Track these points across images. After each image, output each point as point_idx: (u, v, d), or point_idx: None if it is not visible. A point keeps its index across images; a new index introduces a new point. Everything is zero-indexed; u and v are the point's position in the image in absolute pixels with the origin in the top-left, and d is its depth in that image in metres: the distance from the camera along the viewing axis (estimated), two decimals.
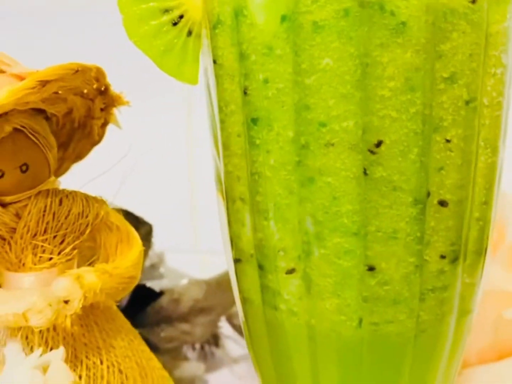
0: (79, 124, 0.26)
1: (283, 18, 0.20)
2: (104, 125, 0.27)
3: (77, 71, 0.22)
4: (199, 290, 0.43)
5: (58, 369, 0.21)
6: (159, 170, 0.54)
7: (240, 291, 0.25)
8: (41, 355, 0.22)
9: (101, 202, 0.25)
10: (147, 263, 0.45)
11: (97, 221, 0.25)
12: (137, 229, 0.38)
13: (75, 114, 0.25)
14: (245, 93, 0.21)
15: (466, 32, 0.20)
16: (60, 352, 0.22)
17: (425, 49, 0.19)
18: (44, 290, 0.22)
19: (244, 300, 0.25)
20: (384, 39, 0.19)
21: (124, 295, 0.26)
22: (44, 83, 0.20)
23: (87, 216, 0.25)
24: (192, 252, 0.62)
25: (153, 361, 0.27)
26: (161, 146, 0.54)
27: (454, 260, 0.22)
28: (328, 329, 0.22)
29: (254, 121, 0.21)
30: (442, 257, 0.22)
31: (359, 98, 0.20)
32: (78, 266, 0.25)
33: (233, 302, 0.45)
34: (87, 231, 0.25)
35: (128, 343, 0.26)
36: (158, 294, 0.42)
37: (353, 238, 0.21)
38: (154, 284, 0.42)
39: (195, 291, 0.42)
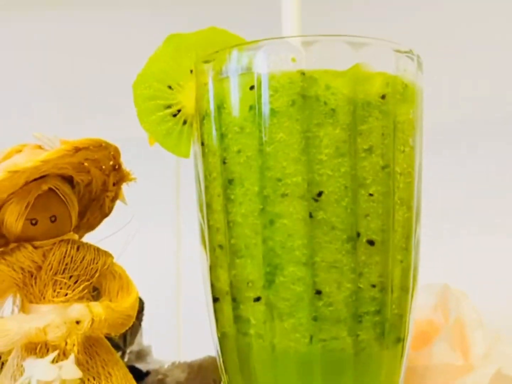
0: (95, 196, 0.33)
1: (251, 108, 0.28)
2: (114, 199, 0.34)
3: (101, 145, 0.29)
4: (181, 372, 0.47)
5: (71, 368, 0.26)
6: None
7: (218, 328, 0.31)
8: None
9: (108, 254, 0.32)
10: (136, 348, 0.49)
11: (104, 268, 0.31)
12: None
13: (93, 186, 0.32)
14: (224, 162, 0.29)
15: (378, 118, 0.28)
16: (72, 357, 0.27)
17: (349, 128, 0.28)
18: (61, 311, 0.28)
19: (221, 336, 0.31)
20: (320, 120, 0.28)
21: (122, 331, 0.31)
22: (77, 149, 0.28)
23: (97, 263, 0.31)
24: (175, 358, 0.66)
25: None
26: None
27: (382, 290, 0.29)
28: (287, 346, 0.28)
29: (230, 181, 0.29)
30: (373, 286, 0.28)
31: (304, 161, 0.28)
32: None
33: None
34: (96, 276, 0.31)
35: (123, 375, 0.31)
36: (145, 374, 0.46)
37: (304, 267, 0.28)
38: (141, 366, 0.47)
39: (178, 373, 0.47)
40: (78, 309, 0.28)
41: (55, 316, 0.28)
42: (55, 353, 0.27)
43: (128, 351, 0.47)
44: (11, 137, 0.33)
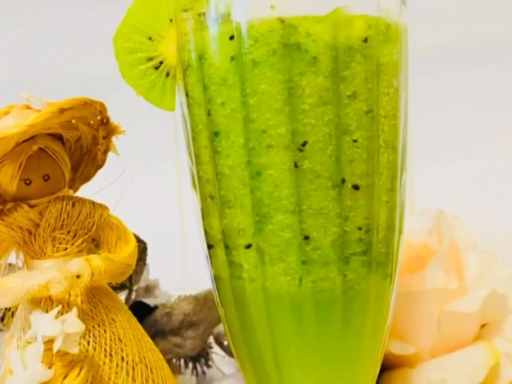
0: (86, 150, 0.34)
1: (232, 58, 0.28)
2: (106, 151, 0.35)
3: (86, 103, 0.30)
4: (188, 304, 0.49)
5: (73, 321, 0.28)
6: (150, 207, 0.62)
7: (213, 271, 0.32)
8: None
9: (104, 207, 0.33)
10: (143, 284, 0.51)
11: (101, 221, 0.32)
12: None
13: (83, 140, 0.33)
14: (208, 114, 0.30)
15: (361, 62, 0.28)
16: (74, 311, 0.29)
17: (332, 75, 0.28)
18: (62, 267, 0.29)
19: (216, 278, 0.32)
20: (302, 68, 0.28)
21: (123, 279, 0.32)
22: (62, 110, 0.28)
23: (93, 216, 0.32)
24: (183, 289, 0.68)
25: (146, 337, 0.34)
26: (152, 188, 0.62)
27: (368, 231, 0.30)
28: (278, 288, 0.29)
29: (216, 134, 0.29)
30: (359, 228, 0.29)
31: (288, 111, 0.28)
32: None
33: (218, 319, 0.52)
34: (93, 229, 0.32)
35: (127, 320, 0.33)
36: (152, 308, 0.48)
37: (291, 215, 0.29)
38: (149, 301, 0.49)
39: (185, 306, 0.49)
40: (78, 264, 0.30)
41: (56, 272, 0.29)
42: (59, 307, 0.29)
43: (135, 288, 0.49)
44: None
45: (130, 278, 0.47)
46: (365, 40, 0.28)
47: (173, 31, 0.30)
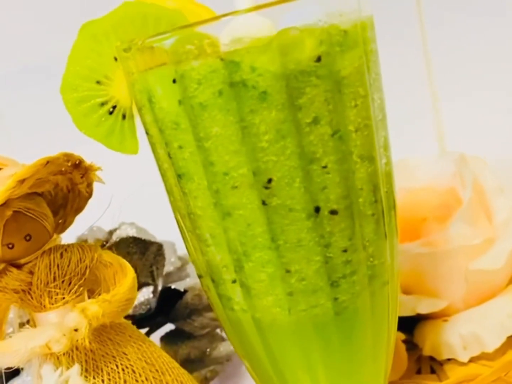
0: (68, 190, 0.33)
1: (179, 102, 0.26)
2: (89, 185, 0.34)
3: (47, 162, 0.29)
4: None
5: (75, 381, 0.29)
6: None
7: (208, 299, 0.32)
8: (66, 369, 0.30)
9: (94, 248, 0.33)
10: (170, 268, 0.52)
11: (93, 263, 0.32)
12: (147, 249, 0.46)
13: (61, 185, 0.32)
14: (169, 156, 0.28)
15: (317, 85, 0.26)
16: (76, 368, 0.30)
17: (286, 106, 0.25)
18: (58, 324, 0.30)
19: (213, 305, 0.32)
20: (252, 106, 0.25)
21: (125, 314, 0.33)
22: (22, 181, 0.28)
23: (84, 261, 0.32)
24: None
25: (163, 358, 0.35)
26: None
27: (355, 251, 0.28)
28: (270, 319, 0.29)
29: (180, 176, 0.28)
30: (344, 251, 0.28)
31: (246, 151, 0.26)
32: (89, 297, 0.33)
33: None
34: (87, 272, 0.32)
35: (138, 348, 0.34)
36: (182, 293, 0.49)
37: (269, 251, 0.28)
38: (178, 285, 0.50)
39: None
40: (73, 318, 0.30)
41: (54, 331, 0.30)
42: (60, 370, 0.30)
43: (164, 273, 0.50)
44: None
45: (152, 275, 0.48)
46: (318, 59, 0.25)
47: (120, 70, 0.29)
